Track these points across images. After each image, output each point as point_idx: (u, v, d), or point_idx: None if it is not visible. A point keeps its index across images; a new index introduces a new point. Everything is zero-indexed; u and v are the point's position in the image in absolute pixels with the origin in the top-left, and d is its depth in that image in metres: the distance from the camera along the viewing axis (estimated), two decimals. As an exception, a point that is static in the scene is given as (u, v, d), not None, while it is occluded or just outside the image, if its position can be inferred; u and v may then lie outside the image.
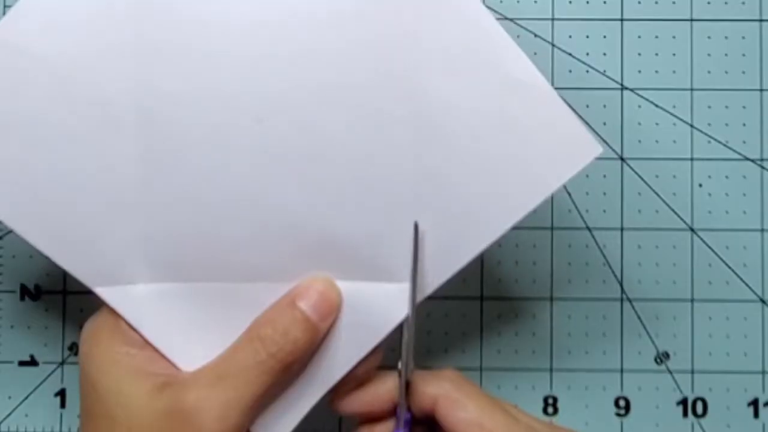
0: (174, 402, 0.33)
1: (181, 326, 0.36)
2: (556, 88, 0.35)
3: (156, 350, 0.36)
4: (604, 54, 0.43)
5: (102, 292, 0.36)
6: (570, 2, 0.43)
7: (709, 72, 0.43)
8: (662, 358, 0.43)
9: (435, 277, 0.35)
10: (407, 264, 0.35)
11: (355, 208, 0.35)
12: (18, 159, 0.35)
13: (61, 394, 0.43)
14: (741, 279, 0.43)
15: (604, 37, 0.43)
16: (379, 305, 0.36)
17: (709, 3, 0.43)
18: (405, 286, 0.35)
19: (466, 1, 0.35)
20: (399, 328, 0.35)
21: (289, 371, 0.35)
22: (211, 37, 0.35)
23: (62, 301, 0.43)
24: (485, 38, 0.35)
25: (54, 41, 0.35)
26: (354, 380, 0.36)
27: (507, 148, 0.35)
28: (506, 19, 0.43)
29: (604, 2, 0.43)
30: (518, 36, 0.43)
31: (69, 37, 0.35)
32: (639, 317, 0.43)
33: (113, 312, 0.36)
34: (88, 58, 0.35)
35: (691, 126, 0.43)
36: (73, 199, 0.35)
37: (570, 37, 0.43)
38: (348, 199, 0.35)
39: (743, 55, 0.43)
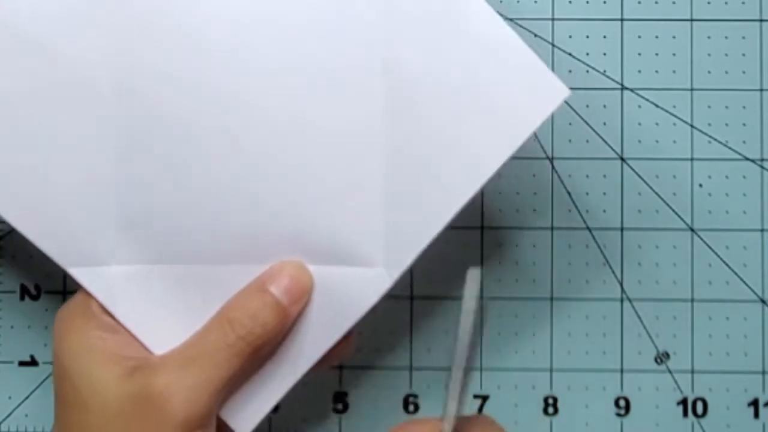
0: (143, 386, 0.33)
1: (154, 308, 0.36)
2: (556, 88, 0.35)
3: (128, 334, 0.36)
4: (604, 54, 0.43)
5: (75, 272, 0.36)
6: (570, 2, 0.43)
7: (709, 72, 0.43)
8: (662, 358, 0.43)
9: (409, 252, 0.35)
10: (380, 247, 0.35)
11: (327, 191, 0.35)
12: None
13: (61, 394, 0.43)
14: (741, 279, 0.43)
15: (604, 37, 0.43)
16: (352, 290, 0.36)
17: (709, 3, 0.43)
18: (378, 271, 0.35)
19: None
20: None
21: (258, 354, 0.35)
22: (190, 15, 0.35)
23: (62, 301, 0.43)
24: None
25: (39, 17, 0.35)
26: (327, 365, 0.36)
27: (477, 105, 0.35)
28: (506, 19, 0.43)
29: (604, 2, 0.43)
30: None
31: (52, 11, 0.35)
32: (639, 317, 0.43)
33: (86, 297, 0.36)
34: (68, 34, 0.35)
35: (691, 126, 0.43)
36: (49, 175, 0.35)
37: (570, 37, 0.43)
38: (319, 181, 0.35)
39: (743, 55, 0.43)
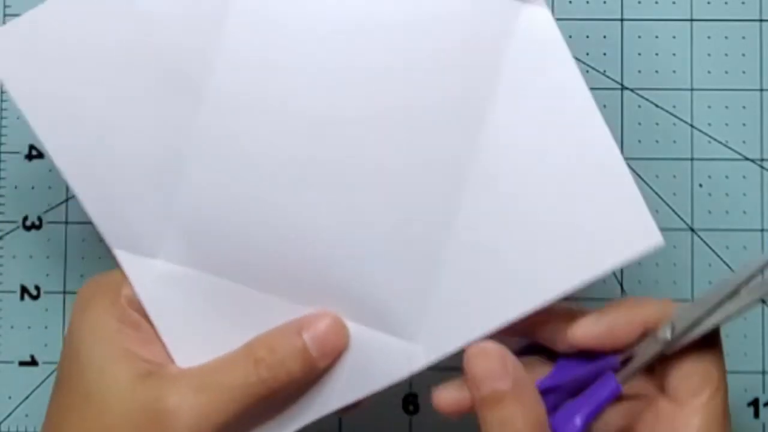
0: (154, 398, 0.33)
1: (188, 315, 0.35)
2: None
3: (149, 335, 0.35)
4: (604, 54, 0.43)
5: (121, 255, 0.35)
6: (570, 2, 0.43)
7: (709, 72, 0.43)
8: (662, 358, 0.43)
9: (450, 341, 0.33)
10: (423, 325, 0.34)
11: (387, 251, 0.34)
12: (78, 98, 0.35)
13: (61, 394, 0.43)
14: (741, 279, 0.43)
15: (604, 37, 0.43)
16: (385, 357, 0.34)
17: (709, 3, 0.43)
18: (415, 348, 0.34)
19: (559, 52, 0.33)
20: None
21: (275, 398, 0.34)
22: (294, 36, 0.34)
23: (62, 301, 0.43)
24: (569, 96, 0.33)
25: None
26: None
27: (562, 217, 0.33)
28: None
29: (604, 2, 0.43)
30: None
31: None
32: (639, 317, 0.43)
33: (116, 284, 0.35)
34: (174, 19, 0.34)
35: (691, 126, 0.43)
36: (120, 153, 0.35)
37: (570, 36, 0.43)
38: (382, 240, 0.34)
39: (743, 55, 0.43)
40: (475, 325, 0.33)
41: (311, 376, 0.34)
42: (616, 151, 0.33)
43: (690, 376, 0.32)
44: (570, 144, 0.33)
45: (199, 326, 0.35)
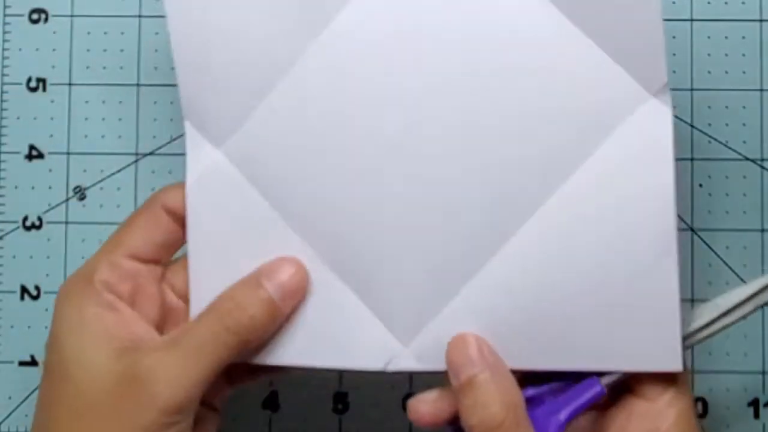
0: (128, 366, 0.33)
1: (218, 221, 0.36)
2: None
3: (128, 315, 0.35)
4: (604, 54, 0.43)
5: (189, 128, 0.36)
6: (570, 2, 0.43)
7: (709, 72, 0.43)
8: (662, 358, 0.43)
9: (438, 362, 0.34)
10: (419, 331, 0.35)
11: (422, 254, 0.35)
12: None
13: (61, 394, 0.43)
14: (741, 279, 0.43)
15: (604, 37, 0.43)
16: (368, 343, 0.35)
17: (709, 3, 0.43)
18: (401, 349, 0.35)
19: (664, 153, 0.34)
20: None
21: (246, 347, 0.35)
22: (421, 31, 0.34)
23: (62, 301, 0.43)
24: (653, 199, 0.34)
25: None
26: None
27: (596, 298, 0.33)
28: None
29: (604, 2, 0.43)
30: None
31: None
32: (639, 317, 0.43)
33: (91, 270, 0.35)
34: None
35: (691, 126, 0.43)
36: (234, 46, 0.35)
37: (570, 37, 0.43)
38: (423, 239, 0.34)
39: (743, 55, 0.43)
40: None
41: (277, 321, 0.35)
42: (675, 271, 0.33)
43: (657, 376, 0.33)
44: (635, 243, 0.33)
45: (223, 237, 0.36)
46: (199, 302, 0.35)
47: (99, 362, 0.34)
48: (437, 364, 0.34)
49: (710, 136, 0.43)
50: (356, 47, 0.34)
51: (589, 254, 0.33)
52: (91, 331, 0.34)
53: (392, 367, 0.35)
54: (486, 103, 0.34)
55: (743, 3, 0.43)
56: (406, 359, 0.35)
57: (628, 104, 0.34)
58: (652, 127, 0.34)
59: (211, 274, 0.36)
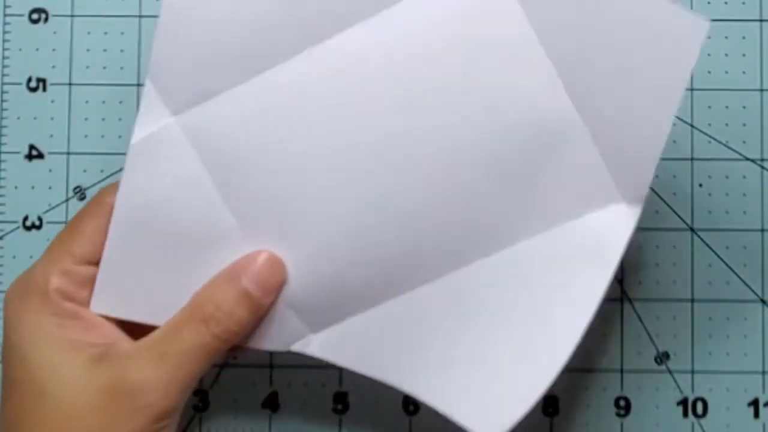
0: (115, 378, 0.33)
1: (154, 192, 0.35)
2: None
3: (91, 320, 0.35)
4: (604, 54, 0.43)
5: (149, 86, 0.35)
6: (570, 2, 0.43)
7: (709, 72, 0.43)
8: (662, 358, 0.43)
9: (335, 355, 0.36)
10: (330, 325, 0.36)
11: (357, 247, 0.35)
12: None
13: (61, 394, 0.43)
14: (741, 279, 0.43)
15: (604, 37, 0.43)
16: (283, 325, 0.36)
17: (709, 3, 0.43)
18: (311, 335, 0.36)
19: (610, 257, 0.34)
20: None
21: (229, 346, 0.35)
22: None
23: (62, 301, 0.43)
24: (581, 295, 0.34)
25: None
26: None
27: (494, 355, 0.35)
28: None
29: (604, 2, 0.43)
30: (518, 36, 0.43)
31: None
32: (639, 317, 0.43)
33: (44, 276, 0.35)
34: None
35: (691, 126, 0.43)
36: (223, 24, 0.35)
37: (570, 37, 0.43)
38: (361, 232, 0.35)
39: (743, 55, 0.43)
40: (360, 361, 0.36)
41: (260, 316, 0.35)
42: (556, 371, 0.34)
43: None
44: (542, 327, 0.34)
45: (154, 201, 0.35)
46: (112, 263, 0.35)
47: (76, 375, 0.33)
48: (338, 358, 0.36)
49: (710, 136, 0.43)
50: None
51: (500, 317, 0.35)
52: (57, 341, 0.34)
53: (295, 348, 0.36)
54: (462, 144, 0.34)
55: (743, 3, 0.43)
56: (310, 344, 0.36)
57: (598, 199, 0.34)
58: (612, 231, 0.34)
59: (132, 234, 0.35)
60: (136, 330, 0.35)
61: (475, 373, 0.35)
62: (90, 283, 0.35)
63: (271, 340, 0.36)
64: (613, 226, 0.34)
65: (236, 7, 0.34)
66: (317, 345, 0.36)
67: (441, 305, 0.35)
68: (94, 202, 0.36)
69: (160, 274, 0.35)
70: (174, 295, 0.35)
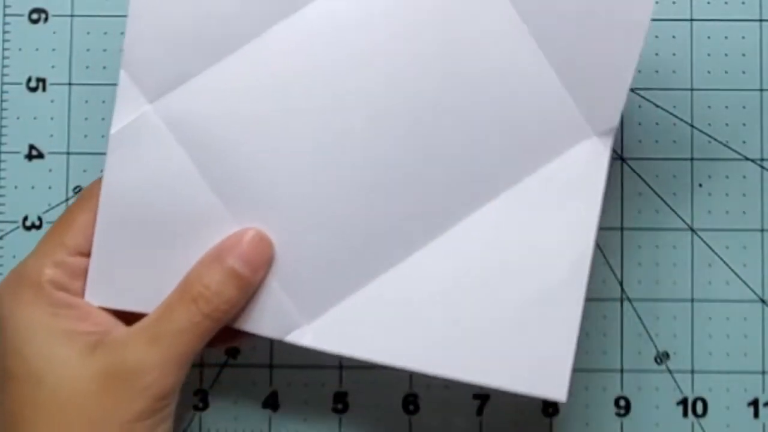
0: (111, 362, 0.33)
1: (137, 178, 0.35)
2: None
3: (85, 309, 0.35)
4: (604, 54, 0.43)
5: (124, 76, 0.35)
6: (570, 2, 0.43)
7: (709, 72, 0.43)
8: (662, 358, 0.43)
9: (332, 344, 0.36)
10: (325, 312, 0.36)
11: (343, 233, 0.35)
12: None
13: (61, 394, 0.43)
14: (741, 279, 0.43)
15: (604, 37, 0.43)
16: (276, 311, 0.36)
17: (708, 3, 0.43)
18: (303, 324, 0.36)
19: (594, 187, 0.35)
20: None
21: (221, 324, 0.35)
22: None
23: (62, 301, 0.43)
24: (576, 228, 0.35)
25: None
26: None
27: (498, 311, 0.34)
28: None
29: (604, 2, 0.43)
30: (518, 36, 0.43)
31: None
32: (639, 317, 0.43)
33: (38, 268, 0.35)
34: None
35: (691, 126, 0.43)
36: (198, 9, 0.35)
37: (570, 37, 0.43)
38: (348, 218, 0.35)
39: (743, 55, 0.43)
40: (363, 346, 0.35)
41: (249, 293, 0.35)
42: (580, 302, 0.34)
43: None
44: (548, 268, 0.34)
45: (138, 191, 0.35)
46: (103, 253, 0.35)
47: (72, 363, 0.33)
48: (334, 346, 0.35)
49: (710, 136, 0.43)
50: (319, 36, 0.35)
51: (503, 270, 0.35)
52: (52, 331, 0.34)
53: (290, 339, 0.36)
54: (439, 105, 0.35)
55: (743, 3, 0.43)
56: (305, 335, 0.36)
57: (571, 138, 0.35)
58: (589, 164, 0.35)
59: (119, 224, 0.35)
60: (130, 317, 0.36)
61: (501, 334, 0.34)
62: (83, 274, 0.35)
63: (266, 325, 0.36)
64: (589, 160, 0.35)
65: None
66: (312, 335, 0.36)
67: (438, 269, 0.35)
68: (84, 196, 0.36)
69: (151, 262, 0.36)
70: (166, 282, 0.35)
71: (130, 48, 0.35)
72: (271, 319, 0.36)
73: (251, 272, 0.35)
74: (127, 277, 0.36)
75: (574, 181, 0.35)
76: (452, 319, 0.35)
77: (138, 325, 0.35)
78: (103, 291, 0.36)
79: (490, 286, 0.35)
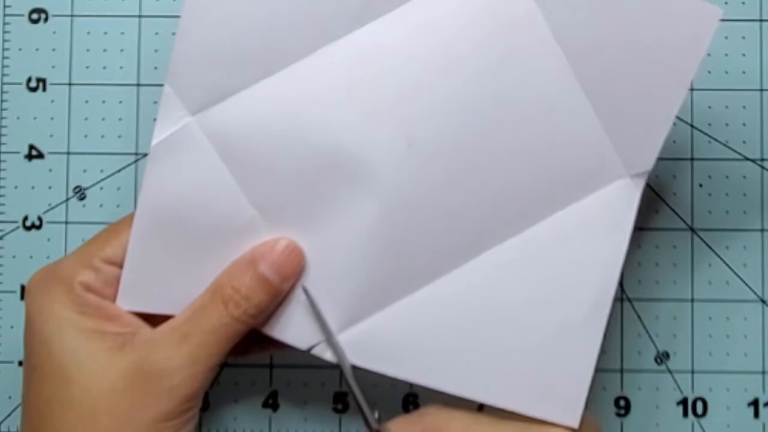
0: (140, 361, 0.34)
1: (175, 188, 0.35)
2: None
3: (113, 311, 0.35)
4: (604, 54, 0.43)
5: (167, 89, 0.35)
6: (570, 2, 0.43)
7: (709, 72, 0.43)
8: (662, 358, 0.43)
9: (360, 360, 0.36)
10: (351, 327, 0.36)
11: (375, 254, 0.35)
12: None
13: (61, 394, 0.43)
14: (741, 279, 0.43)
15: (604, 37, 0.43)
16: (303, 321, 0.36)
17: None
18: (344, 337, 0.36)
19: (624, 225, 0.35)
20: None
21: (249, 329, 0.35)
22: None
23: (62, 301, 0.43)
24: (602, 263, 0.35)
25: None
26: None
27: (520, 338, 0.35)
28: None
29: (604, 2, 0.43)
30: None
31: None
32: (639, 317, 0.43)
33: (72, 270, 0.35)
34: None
35: (691, 126, 0.43)
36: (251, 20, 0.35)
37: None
38: (376, 239, 0.35)
39: (743, 55, 0.43)
40: (386, 362, 0.36)
41: (278, 300, 0.36)
42: (599, 337, 0.35)
43: None
44: (572, 301, 0.35)
45: (177, 202, 0.36)
46: (137, 259, 0.36)
47: (100, 358, 0.34)
48: (358, 360, 0.36)
49: (710, 136, 0.43)
50: (364, 61, 0.35)
51: (527, 300, 0.35)
52: (82, 329, 0.34)
53: (315, 352, 0.36)
54: (479, 137, 0.35)
55: (743, 3, 0.43)
56: (329, 349, 0.36)
57: (605, 177, 0.35)
58: (620, 204, 0.35)
59: (155, 233, 0.36)
60: (157, 322, 0.36)
61: (522, 361, 0.35)
62: (115, 282, 0.36)
63: (292, 334, 0.36)
64: (621, 200, 0.35)
65: (254, 6, 0.35)
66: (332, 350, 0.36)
67: (464, 294, 0.35)
68: (129, 216, 0.37)
69: (185, 268, 0.36)
70: (198, 288, 0.35)
71: (177, 61, 0.35)
72: (297, 328, 0.36)
73: (281, 280, 0.35)
74: (159, 283, 0.36)
75: (604, 220, 0.35)
76: (475, 343, 0.35)
77: (167, 325, 0.35)
78: (134, 296, 0.36)
79: (513, 314, 0.35)
